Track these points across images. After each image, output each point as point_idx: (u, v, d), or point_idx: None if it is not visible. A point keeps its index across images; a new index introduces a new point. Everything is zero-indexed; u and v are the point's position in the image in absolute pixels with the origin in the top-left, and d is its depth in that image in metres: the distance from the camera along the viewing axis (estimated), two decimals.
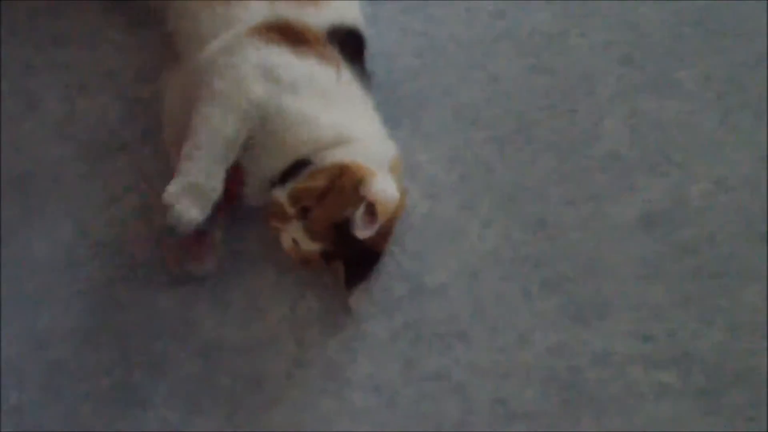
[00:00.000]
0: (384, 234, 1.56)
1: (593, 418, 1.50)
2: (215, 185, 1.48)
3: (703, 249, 1.62)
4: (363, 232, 1.48)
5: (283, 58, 1.53)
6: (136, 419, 1.52)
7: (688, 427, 1.48)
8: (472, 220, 1.67)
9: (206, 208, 1.47)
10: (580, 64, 1.77)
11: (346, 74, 1.58)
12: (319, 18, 1.59)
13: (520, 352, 1.57)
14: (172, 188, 1.45)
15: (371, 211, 1.48)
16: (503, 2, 1.79)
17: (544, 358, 1.56)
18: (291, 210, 1.51)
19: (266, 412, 1.53)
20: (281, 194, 1.51)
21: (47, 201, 1.63)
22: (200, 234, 1.55)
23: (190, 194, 1.46)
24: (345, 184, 1.50)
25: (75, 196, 1.64)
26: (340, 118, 1.56)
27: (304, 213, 1.51)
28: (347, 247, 1.52)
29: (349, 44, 1.61)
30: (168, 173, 1.58)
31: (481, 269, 1.63)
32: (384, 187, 1.50)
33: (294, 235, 1.53)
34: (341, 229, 1.50)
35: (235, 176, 1.52)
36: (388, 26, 1.75)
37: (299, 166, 1.53)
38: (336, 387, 1.54)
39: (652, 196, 1.67)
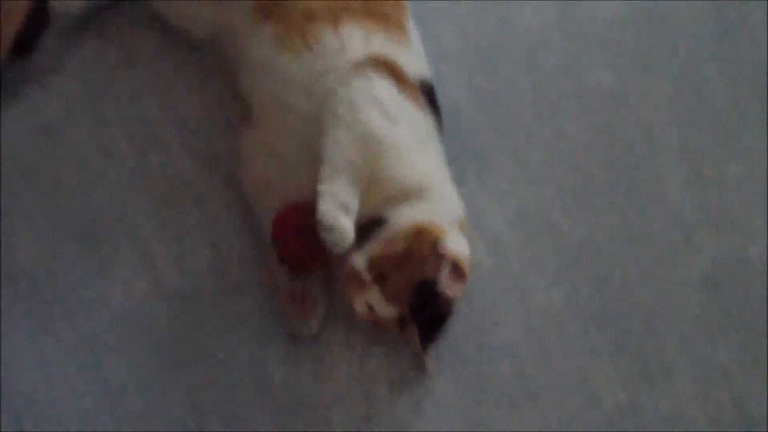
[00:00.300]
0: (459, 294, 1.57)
1: None
2: (356, 206, 1.48)
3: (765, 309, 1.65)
4: (453, 290, 1.50)
5: (391, 92, 1.54)
6: None
7: None
8: (539, 277, 1.69)
9: (353, 229, 1.47)
10: (641, 122, 1.79)
11: (432, 124, 1.60)
12: (410, 65, 1.60)
13: (588, 412, 1.59)
14: (327, 208, 1.43)
15: (457, 268, 1.49)
16: (567, 59, 1.81)
17: (613, 418, 1.58)
18: (368, 276, 1.52)
19: None
20: (359, 261, 1.52)
21: (123, 253, 1.65)
22: (306, 293, 1.58)
23: (343, 213, 1.45)
24: (423, 245, 1.51)
25: (150, 249, 1.66)
26: (428, 167, 1.57)
27: (381, 278, 1.52)
28: (423, 309, 1.53)
29: (428, 97, 1.62)
30: (242, 227, 1.60)
31: (548, 327, 1.65)
32: (460, 245, 1.52)
33: (370, 301, 1.54)
34: (419, 293, 1.52)
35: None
36: (455, 83, 1.77)
37: (374, 224, 1.54)
38: None
39: (715, 255, 1.70)
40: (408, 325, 1.57)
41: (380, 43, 1.57)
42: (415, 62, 1.62)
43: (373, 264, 1.50)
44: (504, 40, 1.80)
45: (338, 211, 1.44)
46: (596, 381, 1.62)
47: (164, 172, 1.68)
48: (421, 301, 1.52)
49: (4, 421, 1.57)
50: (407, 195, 1.54)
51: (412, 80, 1.58)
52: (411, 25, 1.65)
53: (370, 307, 1.54)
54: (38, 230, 1.64)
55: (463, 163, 1.72)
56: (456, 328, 1.66)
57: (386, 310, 1.53)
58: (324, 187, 1.45)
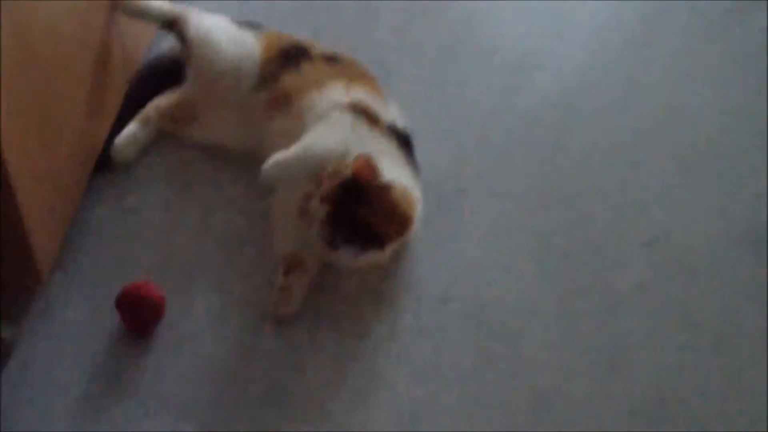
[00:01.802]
0: (384, 216, 1.98)
1: None
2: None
3: None
4: (363, 175, 1.96)
5: (364, 128, 2.14)
6: None
7: None
8: None
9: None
10: None
11: (402, 154, 2.17)
12: (382, 112, 2.20)
13: None
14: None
15: (369, 165, 1.97)
16: None
17: None
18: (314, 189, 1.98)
19: None
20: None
21: (198, 281, 2.15)
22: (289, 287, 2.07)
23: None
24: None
25: (218, 275, 2.17)
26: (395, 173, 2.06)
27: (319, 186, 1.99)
28: (343, 200, 1.96)
29: (401, 140, 2.20)
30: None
31: None
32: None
33: (312, 205, 1.97)
34: (341, 186, 1.96)
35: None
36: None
37: None
38: None
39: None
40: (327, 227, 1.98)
41: (358, 95, 2.20)
42: (387, 112, 2.22)
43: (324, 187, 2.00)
44: None
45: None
46: None
47: (222, 227, 2.24)
48: (342, 192, 1.96)
49: None
50: None
51: (383, 122, 2.18)
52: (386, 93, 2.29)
53: (309, 212, 1.98)
54: None
55: None
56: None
57: (319, 210, 1.97)
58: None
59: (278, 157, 2.03)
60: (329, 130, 2.11)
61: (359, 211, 1.98)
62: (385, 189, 2.00)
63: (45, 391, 1.94)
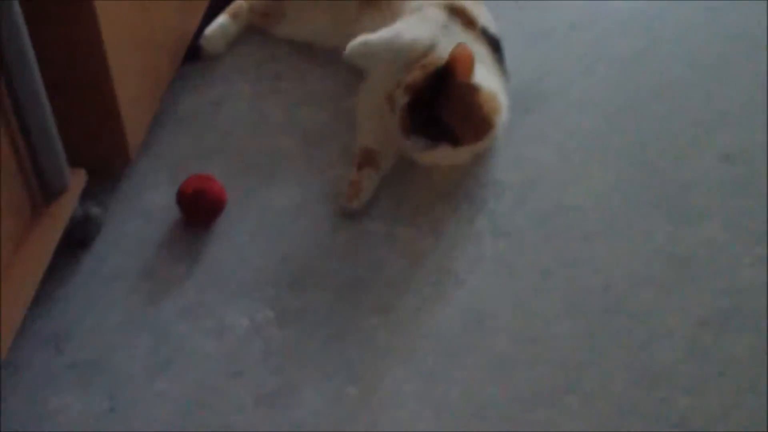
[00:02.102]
0: (463, 116, 2.01)
1: None
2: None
3: None
4: (461, 75, 1.98)
5: (458, 28, 2.16)
6: None
7: None
8: None
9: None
10: None
11: (490, 57, 2.19)
12: (478, 15, 2.22)
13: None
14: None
15: (465, 62, 1.99)
16: None
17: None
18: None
19: None
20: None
21: (279, 173, 2.20)
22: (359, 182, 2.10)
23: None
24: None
25: (300, 168, 2.21)
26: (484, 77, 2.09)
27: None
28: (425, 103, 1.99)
29: (492, 44, 2.23)
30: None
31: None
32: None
33: (395, 95, 2.03)
34: (431, 75, 2.00)
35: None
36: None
37: None
38: None
39: None
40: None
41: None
42: (481, 15, 2.25)
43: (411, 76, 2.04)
44: None
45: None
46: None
47: (306, 122, 2.29)
48: (431, 81, 1.99)
49: None
50: None
51: (478, 25, 2.20)
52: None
53: (394, 99, 2.03)
54: None
55: None
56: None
57: (401, 98, 2.01)
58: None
59: (365, 37, 2.05)
60: (420, 23, 2.13)
61: (437, 103, 2.00)
62: (470, 88, 2.02)
63: (127, 272, 2.01)
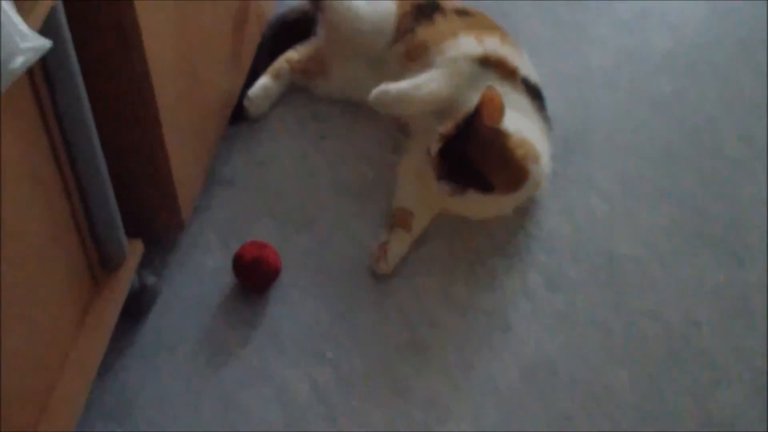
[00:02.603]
0: (493, 162, 2.00)
1: None
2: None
3: None
4: (489, 119, 1.97)
5: (491, 78, 2.14)
6: None
7: None
8: None
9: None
10: None
11: (533, 108, 2.18)
12: (517, 63, 2.21)
13: None
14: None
15: (494, 106, 1.98)
16: None
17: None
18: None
19: None
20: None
21: (330, 232, 2.20)
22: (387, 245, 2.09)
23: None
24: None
25: (350, 226, 2.21)
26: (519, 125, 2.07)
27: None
28: (461, 137, 1.99)
29: (534, 93, 2.22)
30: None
31: None
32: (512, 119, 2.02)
33: (430, 145, 2.03)
34: (461, 122, 2.01)
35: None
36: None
37: None
38: None
39: None
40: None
41: (493, 46, 2.22)
42: (522, 65, 2.24)
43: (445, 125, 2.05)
44: None
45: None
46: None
47: (350, 179, 2.28)
48: (461, 128, 2.00)
49: None
50: None
51: (519, 75, 2.20)
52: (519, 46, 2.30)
53: (430, 150, 2.03)
54: None
55: None
56: None
57: (435, 145, 2.02)
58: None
59: (386, 86, 2.11)
60: (443, 75, 2.15)
61: (466, 148, 2.00)
62: (498, 133, 2.00)
63: (185, 339, 2.00)
